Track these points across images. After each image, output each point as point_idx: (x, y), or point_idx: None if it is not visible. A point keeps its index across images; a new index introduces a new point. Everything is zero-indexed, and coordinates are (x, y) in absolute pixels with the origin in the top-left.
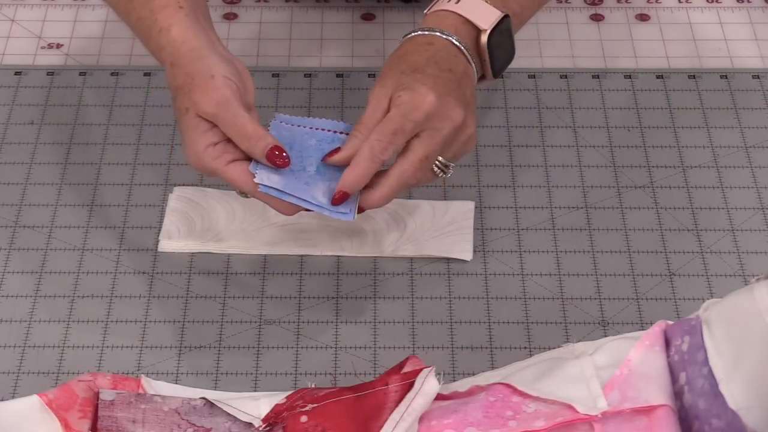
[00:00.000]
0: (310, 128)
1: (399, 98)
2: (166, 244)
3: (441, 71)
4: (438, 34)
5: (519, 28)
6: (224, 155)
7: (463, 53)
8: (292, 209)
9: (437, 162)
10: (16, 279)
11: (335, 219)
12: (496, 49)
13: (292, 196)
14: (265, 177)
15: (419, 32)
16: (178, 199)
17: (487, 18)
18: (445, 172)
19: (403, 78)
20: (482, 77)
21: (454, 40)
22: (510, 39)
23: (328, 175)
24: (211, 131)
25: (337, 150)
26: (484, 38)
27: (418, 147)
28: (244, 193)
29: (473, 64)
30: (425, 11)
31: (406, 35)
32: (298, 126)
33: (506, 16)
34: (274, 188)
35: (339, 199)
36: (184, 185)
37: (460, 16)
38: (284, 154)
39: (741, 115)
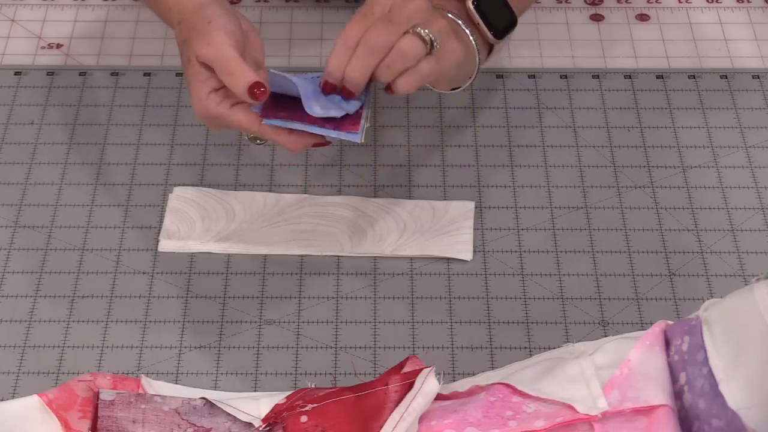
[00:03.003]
0: (304, 75)
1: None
2: (166, 244)
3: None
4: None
5: (525, 5)
6: (227, 99)
7: (455, 21)
8: (300, 143)
9: (420, 32)
10: (16, 279)
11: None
12: (490, 14)
13: (297, 122)
14: (269, 112)
15: None
16: (178, 199)
17: None
18: (433, 43)
19: None
20: (491, 49)
21: (448, 15)
22: (505, 6)
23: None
24: (212, 77)
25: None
26: (468, 3)
27: (396, 8)
28: (253, 138)
29: (466, 29)
30: None
31: None
32: (294, 75)
33: None
34: (279, 119)
35: (347, 95)
36: (184, 185)
37: None
38: (263, 88)
39: (741, 115)
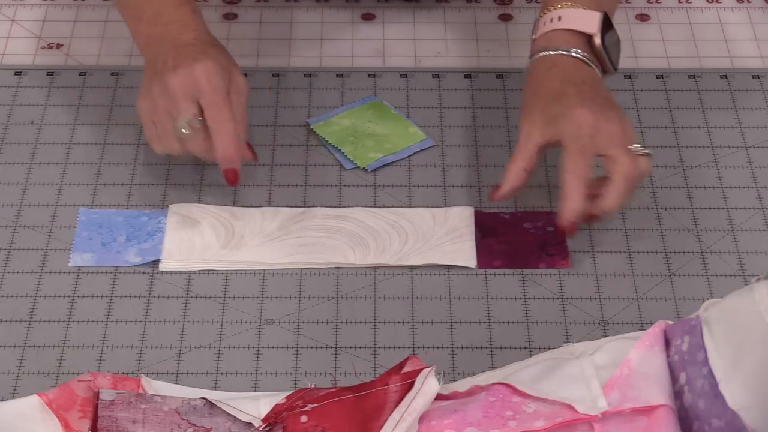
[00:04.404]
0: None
1: (562, 135)
2: (168, 264)
3: (579, 86)
4: (558, 52)
5: (613, 16)
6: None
7: (585, 62)
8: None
9: (634, 150)
10: (16, 279)
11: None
12: (609, 45)
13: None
14: (78, 259)
15: (539, 55)
16: (174, 216)
17: (591, 23)
18: (648, 153)
19: (549, 108)
20: (604, 74)
21: (574, 54)
22: (615, 32)
23: (134, 241)
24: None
25: (499, 187)
26: (597, 40)
27: (620, 161)
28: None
29: (595, 68)
30: (532, 36)
31: (530, 63)
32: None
33: (605, 14)
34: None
35: (571, 229)
36: (179, 203)
37: (568, 30)
38: (235, 177)
39: (741, 115)
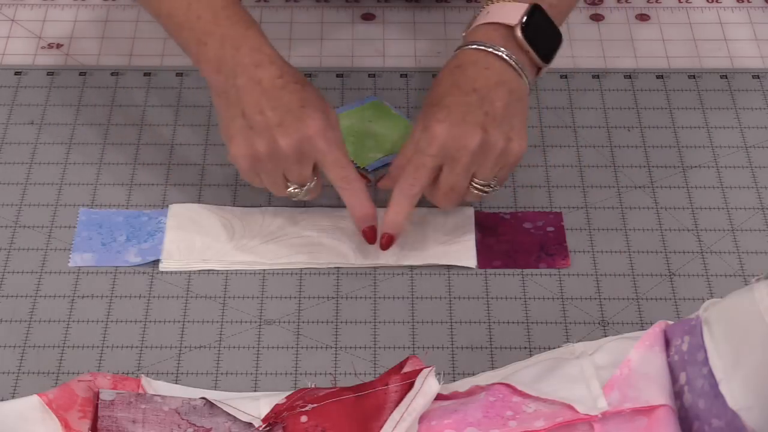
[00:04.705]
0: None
1: (414, 136)
2: (168, 264)
3: (461, 95)
4: (468, 48)
5: (564, 15)
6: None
7: (499, 57)
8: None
9: (474, 185)
10: (16, 279)
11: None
12: (538, 38)
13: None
14: (78, 259)
15: (455, 51)
16: (174, 216)
17: (514, 15)
18: (486, 192)
19: (426, 111)
20: (539, 69)
21: (483, 47)
22: (550, 26)
23: (134, 241)
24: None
25: (382, 176)
26: (518, 32)
27: (442, 180)
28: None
29: (513, 62)
30: (462, 33)
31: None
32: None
33: (535, 6)
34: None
35: (387, 242)
36: (179, 203)
37: (490, 23)
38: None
39: (741, 115)
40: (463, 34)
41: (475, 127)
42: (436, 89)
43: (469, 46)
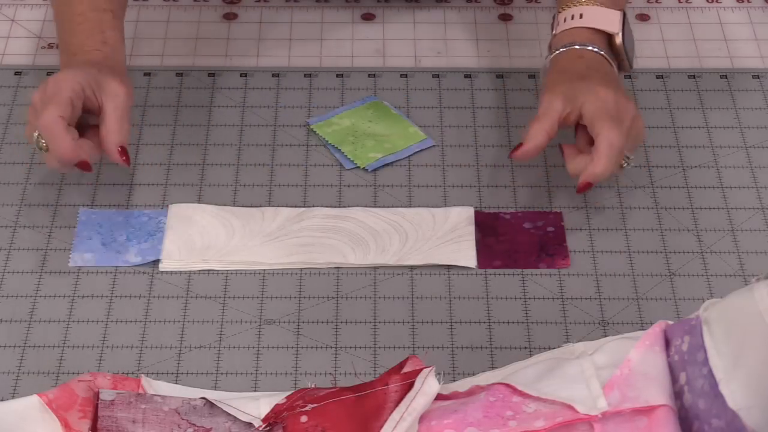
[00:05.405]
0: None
1: (584, 106)
2: (168, 264)
3: (603, 74)
4: (582, 47)
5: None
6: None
7: (606, 59)
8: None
9: (626, 161)
10: (16, 279)
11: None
12: (627, 44)
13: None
14: (78, 259)
15: (563, 49)
16: (175, 216)
17: (613, 22)
18: (627, 163)
19: (574, 85)
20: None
21: (596, 50)
22: (630, 30)
23: (134, 241)
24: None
25: (520, 145)
26: (618, 40)
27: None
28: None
29: (614, 66)
30: (553, 32)
31: (549, 55)
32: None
33: (624, 13)
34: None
35: (584, 187)
36: (179, 203)
37: (590, 28)
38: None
39: (741, 115)
40: (554, 32)
41: (628, 98)
42: (570, 70)
43: (585, 47)
